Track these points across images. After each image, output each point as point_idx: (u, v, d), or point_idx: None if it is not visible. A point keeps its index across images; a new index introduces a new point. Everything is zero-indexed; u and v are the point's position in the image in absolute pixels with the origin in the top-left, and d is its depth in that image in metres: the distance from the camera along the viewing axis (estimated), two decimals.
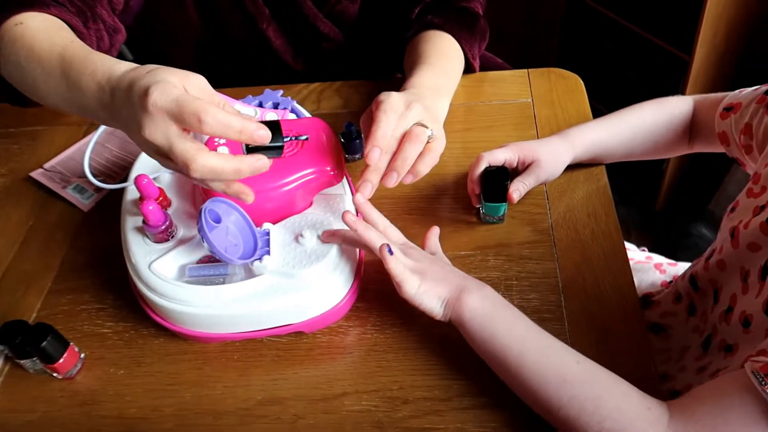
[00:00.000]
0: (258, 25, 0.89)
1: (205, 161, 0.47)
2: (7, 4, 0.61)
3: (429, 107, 0.64)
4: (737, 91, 0.70)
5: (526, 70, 0.89)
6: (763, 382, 0.43)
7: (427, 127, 0.61)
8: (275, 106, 0.76)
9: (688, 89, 1.36)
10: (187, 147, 0.47)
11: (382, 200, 0.72)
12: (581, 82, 0.87)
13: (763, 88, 0.66)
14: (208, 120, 0.46)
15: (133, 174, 0.69)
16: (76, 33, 0.63)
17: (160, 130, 0.47)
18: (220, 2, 0.89)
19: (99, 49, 0.69)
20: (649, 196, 1.59)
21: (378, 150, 0.58)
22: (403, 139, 0.60)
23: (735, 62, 1.44)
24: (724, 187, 1.50)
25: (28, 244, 0.75)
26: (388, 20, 0.89)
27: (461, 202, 0.73)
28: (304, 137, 0.57)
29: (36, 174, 0.84)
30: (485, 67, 0.92)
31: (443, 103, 0.71)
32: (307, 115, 0.77)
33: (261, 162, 0.50)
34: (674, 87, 1.39)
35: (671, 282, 0.81)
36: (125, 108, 0.49)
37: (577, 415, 0.49)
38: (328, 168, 0.62)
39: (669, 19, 1.38)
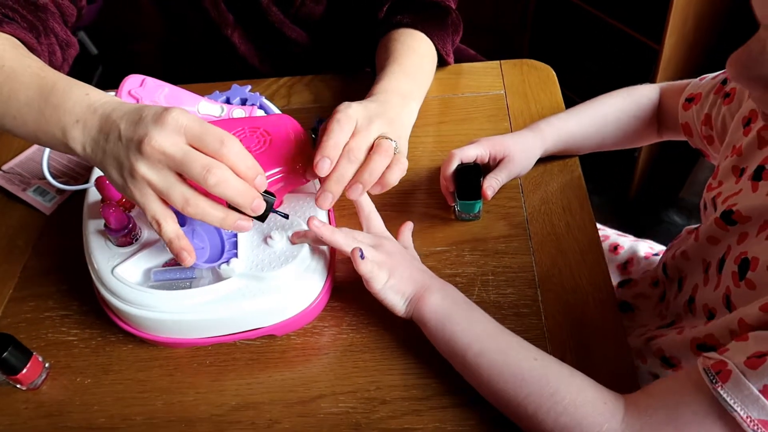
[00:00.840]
0: (222, 31, 0.86)
1: (225, 170, 0.47)
2: None
3: (394, 119, 0.62)
4: (699, 78, 0.70)
5: (498, 62, 0.88)
6: (714, 381, 0.44)
7: (392, 140, 0.59)
8: (243, 102, 0.74)
9: (659, 77, 1.37)
10: (203, 155, 0.47)
11: None
12: (553, 72, 0.86)
13: (721, 76, 0.66)
14: (230, 146, 0.48)
15: (95, 175, 0.67)
16: (29, 49, 0.61)
17: (170, 140, 0.47)
18: (182, 7, 0.86)
19: (51, 63, 0.66)
20: (623, 185, 1.61)
21: (328, 161, 0.56)
22: (371, 151, 0.58)
23: (704, 51, 1.46)
24: (694, 174, 1.52)
25: None
26: (356, 20, 0.87)
27: (435, 197, 0.72)
28: (284, 214, 0.57)
29: None
30: (458, 59, 0.91)
31: (411, 109, 0.69)
32: (276, 110, 0.75)
33: (260, 202, 0.50)
34: (645, 76, 1.40)
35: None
36: (125, 123, 0.48)
37: (534, 412, 0.49)
38: (298, 166, 0.60)
39: (639, 9, 1.39)
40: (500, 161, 0.68)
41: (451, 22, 0.82)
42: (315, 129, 0.76)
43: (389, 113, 0.62)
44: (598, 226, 0.80)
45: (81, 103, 0.51)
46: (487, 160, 0.69)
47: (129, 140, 0.47)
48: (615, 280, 0.83)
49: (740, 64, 0.40)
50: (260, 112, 0.73)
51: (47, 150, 0.71)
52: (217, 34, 0.87)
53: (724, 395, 0.43)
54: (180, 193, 0.48)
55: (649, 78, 1.39)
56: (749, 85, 0.41)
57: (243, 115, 0.70)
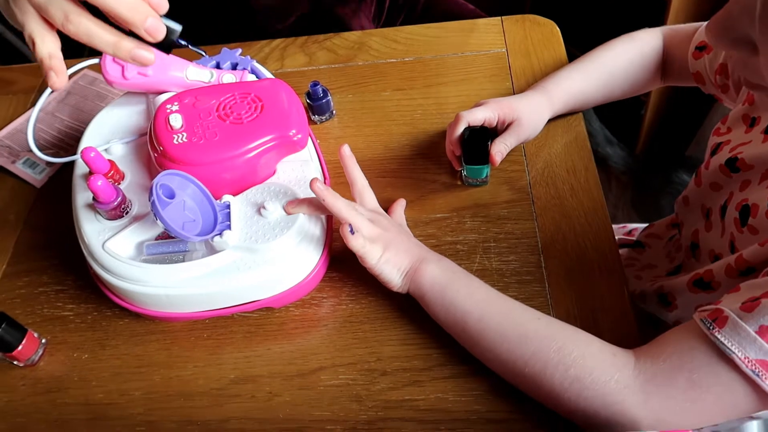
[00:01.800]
0: None
1: None
2: None
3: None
4: (707, 23, 0.67)
5: (499, 18, 0.84)
6: (711, 327, 0.44)
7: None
8: (233, 67, 0.71)
9: None
10: None
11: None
12: (557, 28, 0.82)
13: None
14: None
15: (82, 146, 0.64)
16: None
17: None
18: None
19: None
20: (629, 143, 1.57)
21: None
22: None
23: (716, 1, 1.40)
24: (702, 131, 1.48)
25: None
26: None
27: (435, 162, 0.69)
28: (200, 51, 0.50)
29: None
30: (456, 14, 0.87)
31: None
32: (269, 74, 0.72)
33: (156, 23, 0.43)
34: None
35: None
36: None
37: (542, 368, 0.49)
38: (291, 133, 0.58)
39: None
40: (509, 125, 0.66)
41: None
42: (309, 93, 0.73)
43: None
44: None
45: None
46: (495, 123, 0.66)
47: None
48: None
49: (721, 26, 0.39)
50: (251, 77, 0.70)
51: (32, 120, 0.69)
52: None
53: (722, 339, 0.43)
54: (59, 7, 0.42)
55: None
56: (732, 47, 0.40)
57: (233, 80, 0.67)
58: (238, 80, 0.67)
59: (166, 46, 0.45)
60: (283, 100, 0.60)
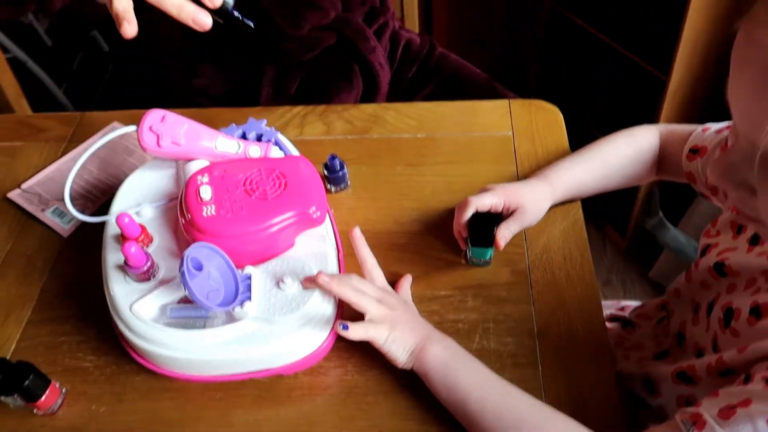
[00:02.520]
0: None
1: None
2: None
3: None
4: (701, 129, 0.72)
5: (507, 101, 0.90)
6: (691, 430, 0.48)
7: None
8: (258, 138, 0.76)
9: (665, 107, 1.39)
10: None
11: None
12: (560, 115, 0.88)
13: (725, 132, 0.68)
14: None
15: (115, 207, 0.69)
16: None
17: None
18: None
19: None
20: (624, 214, 1.62)
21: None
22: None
23: (712, 83, 1.47)
24: (684, 223, 1.52)
25: (5, 271, 0.75)
26: None
27: (441, 239, 0.74)
28: (248, 23, 0.59)
29: (13, 195, 0.83)
30: (464, 77, 0.92)
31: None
32: (292, 146, 0.77)
33: None
34: (651, 104, 1.42)
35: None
36: None
37: None
38: (311, 210, 0.63)
39: (649, 39, 1.40)
40: (513, 211, 0.71)
41: None
42: (326, 165, 0.78)
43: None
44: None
45: None
46: (501, 209, 0.71)
47: None
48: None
49: (724, 170, 0.44)
50: (276, 149, 0.75)
51: (71, 178, 0.73)
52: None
53: None
54: None
55: (656, 106, 1.40)
56: (733, 188, 0.45)
57: (259, 152, 0.72)
58: (263, 152, 0.72)
59: (222, 13, 0.54)
60: (305, 178, 0.65)
